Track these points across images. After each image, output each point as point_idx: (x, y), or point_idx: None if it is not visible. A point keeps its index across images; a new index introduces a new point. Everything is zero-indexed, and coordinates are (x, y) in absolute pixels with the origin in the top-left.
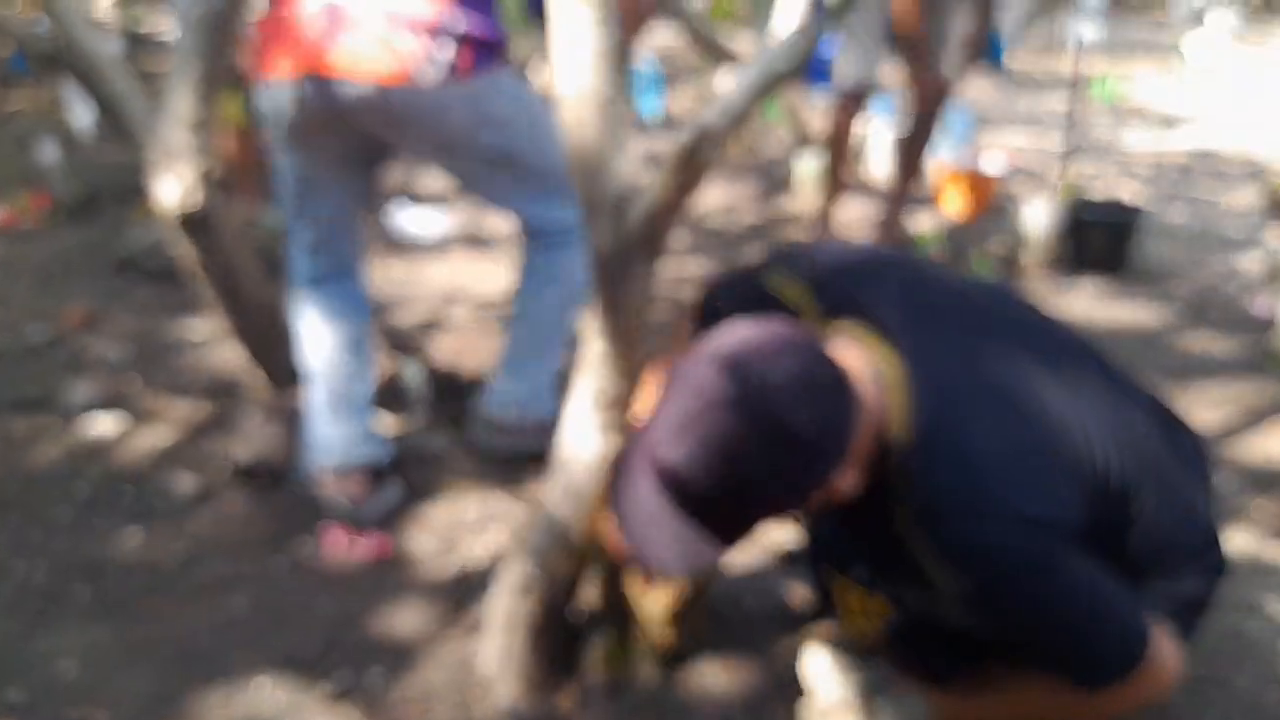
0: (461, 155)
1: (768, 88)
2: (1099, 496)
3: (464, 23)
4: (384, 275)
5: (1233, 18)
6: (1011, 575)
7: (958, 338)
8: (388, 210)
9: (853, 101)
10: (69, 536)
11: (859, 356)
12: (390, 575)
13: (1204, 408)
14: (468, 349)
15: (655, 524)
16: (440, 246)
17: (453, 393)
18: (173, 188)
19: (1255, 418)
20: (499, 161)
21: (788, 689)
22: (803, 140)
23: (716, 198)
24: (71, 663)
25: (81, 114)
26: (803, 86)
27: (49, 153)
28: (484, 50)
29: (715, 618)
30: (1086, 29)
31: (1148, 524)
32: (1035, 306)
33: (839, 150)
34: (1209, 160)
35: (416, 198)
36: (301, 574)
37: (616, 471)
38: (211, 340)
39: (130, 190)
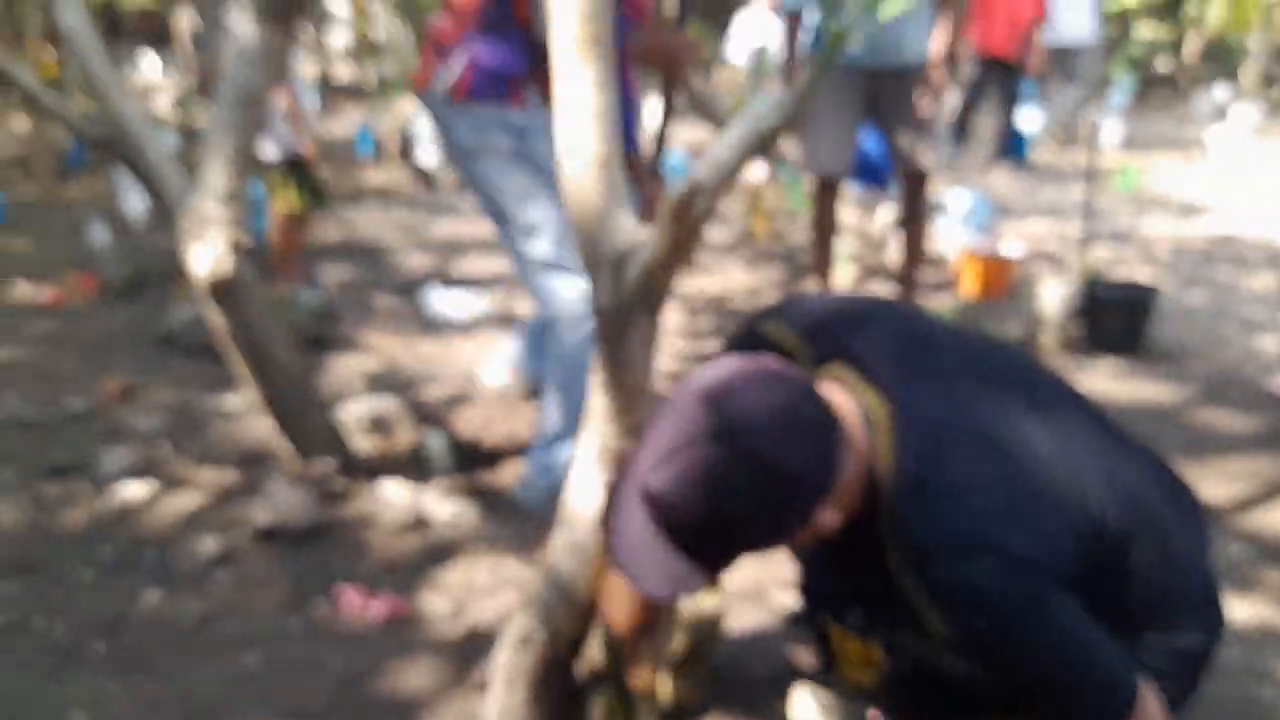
0: (470, 184)
1: (756, 143)
2: (1093, 542)
3: (478, 48)
4: (414, 353)
5: (1255, 112)
6: (1000, 614)
7: (947, 383)
8: (422, 292)
9: (828, 187)
10: (90, 596)
11: (847, 398)
12: (401, 635)
13: (1220, 481)
14: (491, 422)
15: (644, 549)
16: (470, 326)
17: (474, 462)
18: (203, 256)
19: (1272, 490)
20: (494, 203)
21: None
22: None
23: (741, 280)
24: (81, 714)
25: (134, 202)
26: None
27: (98, 234)
28: (488, 79)
29: (719, 679)
30: (1107, 125)
31: (1145, 575)
32: (1030, 359)
33: (819, 233)
34: (1229, 246)
35: (450, 281)
36: (315, 633)
37: (611, 496)
38: (244, 413)
39: (175, 272)
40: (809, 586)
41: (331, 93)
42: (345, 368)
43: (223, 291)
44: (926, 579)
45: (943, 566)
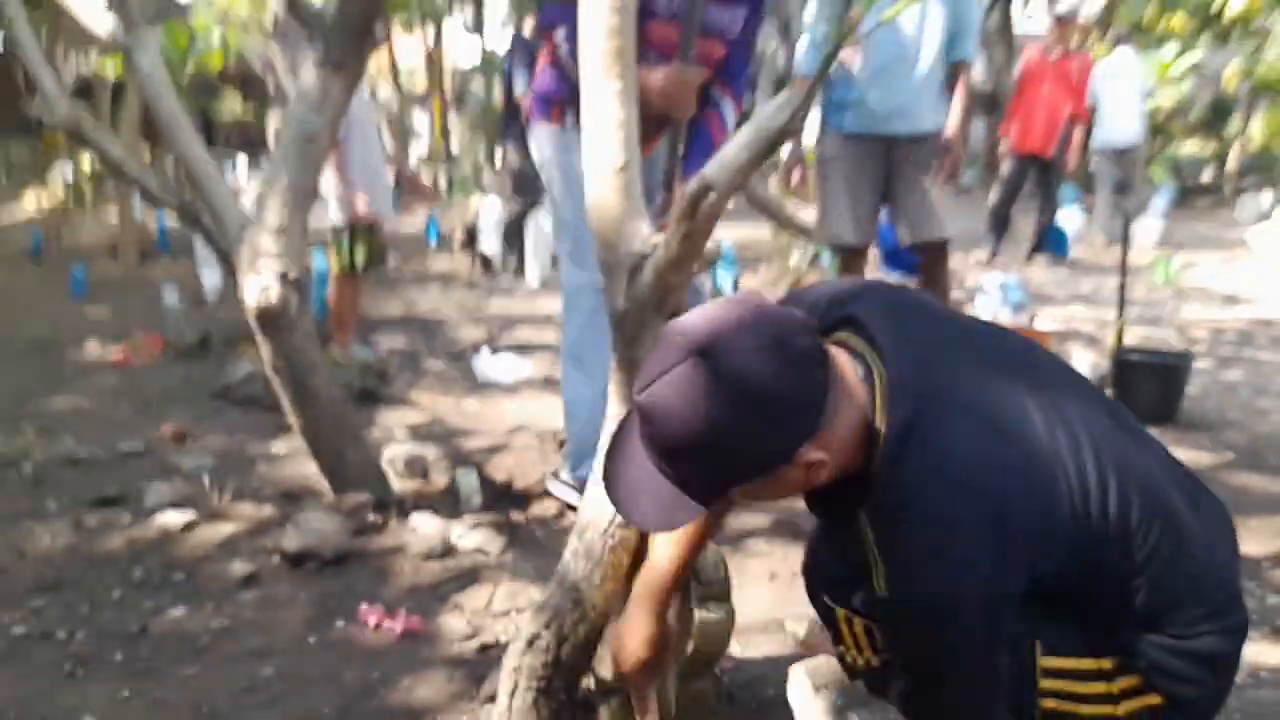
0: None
1: (765, 143)
2: (1088, 523)
3: (538, 78)
4: (459, 410)
5: None
6: (935, 600)
7: (945, 350)
8: (473, 356)
9: (852, 257)
10: (114, 611)
11: (845, 354)
12: (416, 651)
13: (1260, 539)
14: (523, 467)
15: (638, 483)
16: (516, 388)
17: (506, 501)
18: (253, 286)
19: None
20: (550, 202)
21: None
22: None
23: None
24: (90, 716)
25: (210, 276)
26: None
27: (169, 296)
28: (541, 102)
29: (730, 702)
30: (1148, 225)
31: (1160, 571)
32: (1034, 345)
33: None
34: (1270, 328)
35: (498, 347)
36: (331, 647)
37: (615, 432)
38: (289, 456)
39: (240, 336)
40: (814, 568)
41: (406, 193)
42: (391, 420)
43: (268, 320)
44: (883, 534)
45: (905, 528)
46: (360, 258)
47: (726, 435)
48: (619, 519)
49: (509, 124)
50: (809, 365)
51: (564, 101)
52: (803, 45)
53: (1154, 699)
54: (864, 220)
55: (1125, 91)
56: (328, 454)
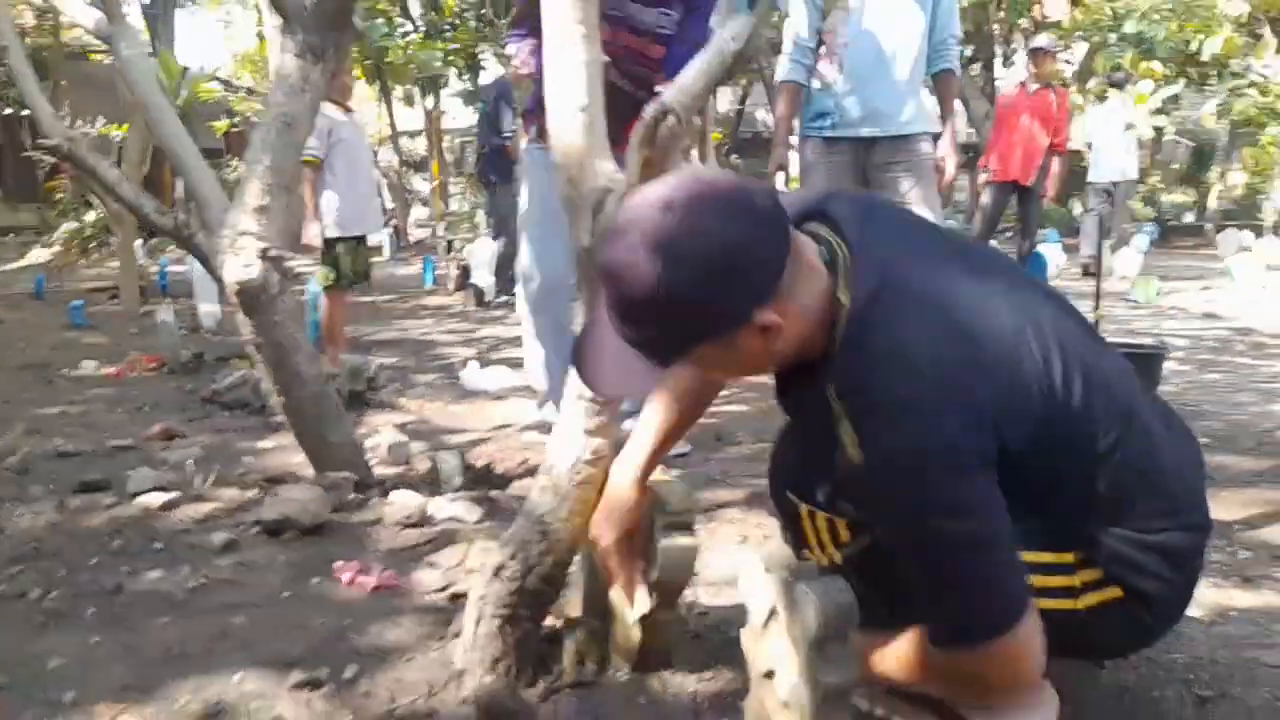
0: None
1: (721, 67)
2: (1053, 400)
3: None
4: (445, 413)
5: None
6: (914, 456)
7: (910, 242)
8: (463, 369)
9: None
10: (90, 574)
11: (811, 239)
12: (388, 602)
13: (1231, 507)
14: (505, 453)
15: (603, 352)
16: (503, 395)
17: (484, 481)
18: (233, 263)
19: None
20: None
21: None
22: None
23: None
24: (58, 660)
25: (207, 307)
26: None
27: (165, 314)
28: (525, 120)
29: (696, 639)
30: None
31: (1123, 464)
32: (1006, 257)
33: None
34: (1249, 336)
35: (488, 362)
36: (305, 601)
37: (587, 320)
38: (276, 449)
39: (235, 355)
40: (778, 469)
41: (404, 247)
42: (378, 421)
43: (249, 297)
44: (857, 408)
45: (873, 399)
46: (347, 271)
47: (686, 289)
48: (586, 456)
49: (489, 163)
50: (770, 226)
51: (532, 115)
52: (784, 54)
53: (1114, 592)
54: None
55: (1118, 131)
56: (309, 434)
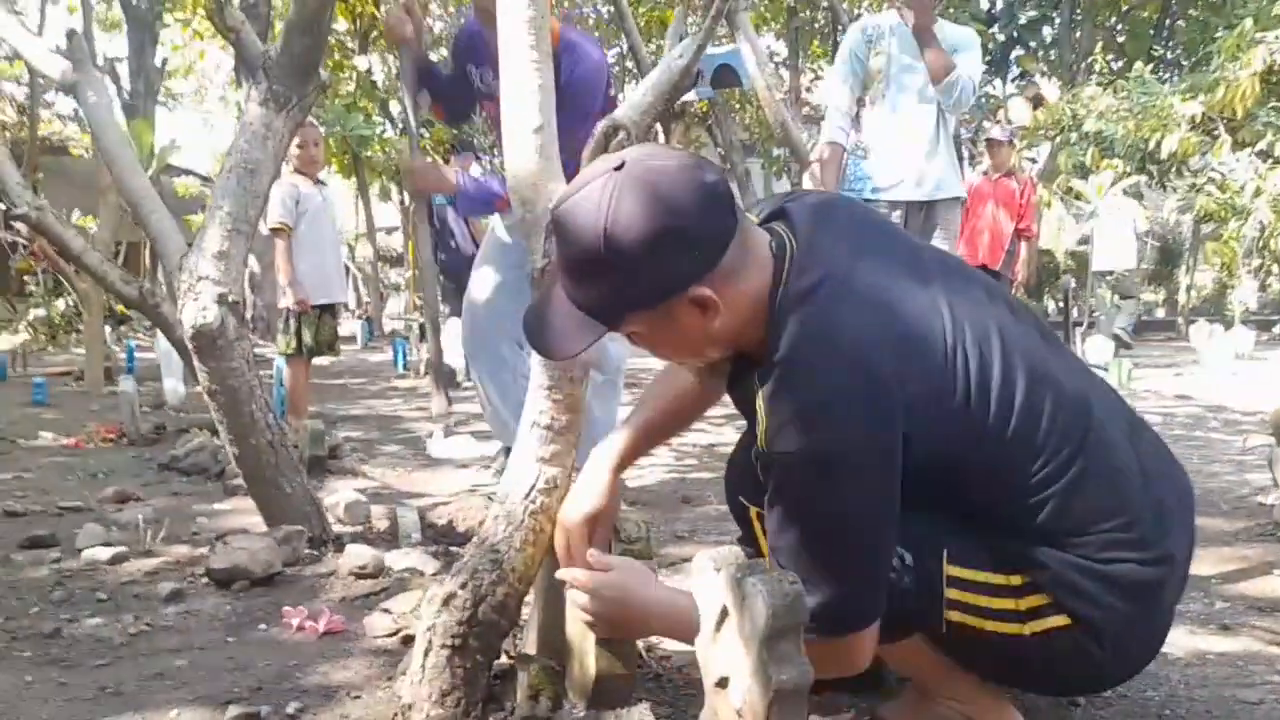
0: None
1: (669, 83)
2: (985, 415)
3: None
4: (408, 480)
5: (1248, 335)
6: (804, 439)
7: (864, 244)
8: (429, 439)
9: None
10: (30, 619)
11: (765, 231)
12: (336, 646)
13: (1211, 564)
14: (466, 513)
15: (550, 315)
16: (468, 463)
17: (443, 537)
18: (191, 307)
19: (1258, 567)
20: None
21: None
22: None
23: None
24: None
25: (172, 384)
26: None
27: (126, 384)
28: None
29: (656, 680)
30: (1097, 343)
31: (1071, 484)
32: (988, 278)
33: None
34: (1222, 413)
35: (453, 430)
36: (250, 645)
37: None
38: (231, 512)
39: (194, 426)
40: (734, 472)
41: (376, 336)
42: (338, 485)
43: (205, 341)
44: (767, 391)
45: (782, 382)
46: (309, 340)
47: (626, 247)
48: (540, 484)
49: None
50: (719, 202)
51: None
52: (826, 119)
53: (1060, 620)
54: None
55: (1118, 226)
56: (263, 484)
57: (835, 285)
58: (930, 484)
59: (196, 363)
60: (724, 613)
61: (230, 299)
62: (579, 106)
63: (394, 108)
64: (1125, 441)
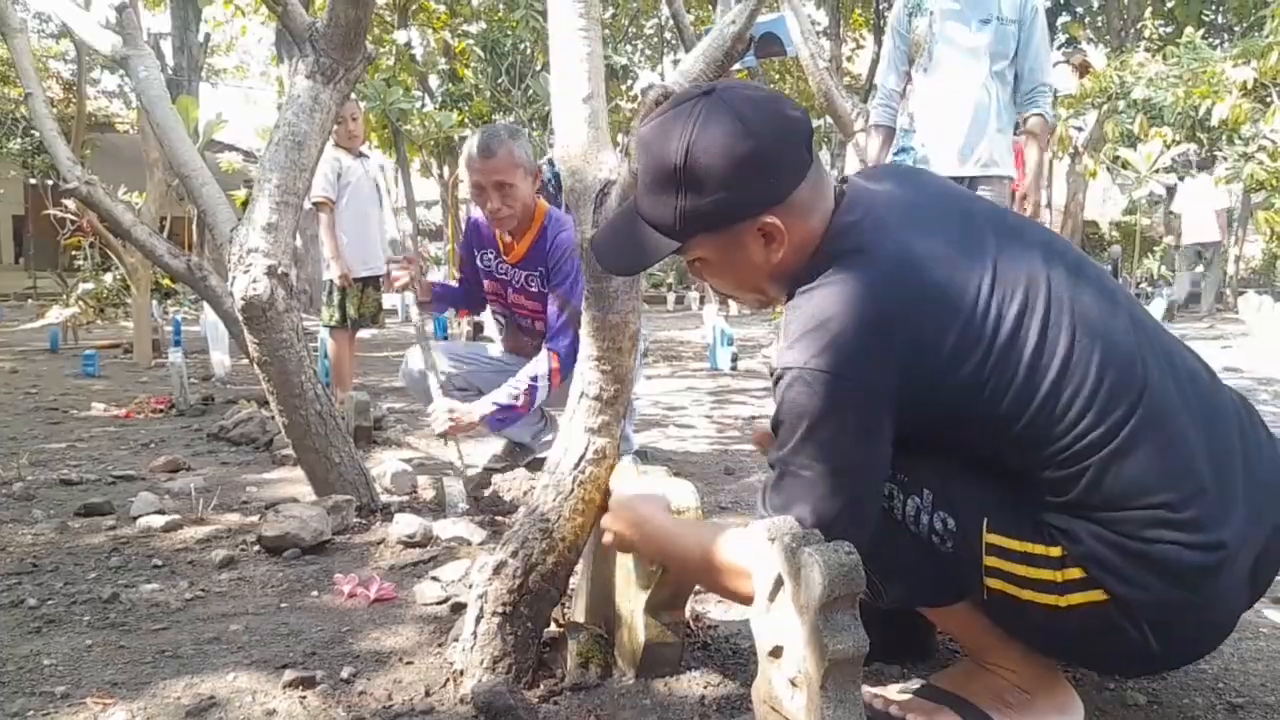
0: None
1: (720, 49)
2: (1005, 368)
3: None
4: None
5: None
6: (802, 363)
7: (914, 197)
8: None
9: None
10: (88, 584)
11: (830, 178)
12: (388, 611)
13: None
14: (510, 483)
15: (617, 231)
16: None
17: (489, 507)
18: (241, 279)
19: None
20: None
21: None
22: None
23: None
24: (50, 659)
25: (219, 356)
26: None
27: (174, 356)
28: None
29: (705, 649)
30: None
31: (1115, 454)
32: (1056, 234)
33: None
34: (1272, 385)
35: None
36: (302, 611)
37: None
38: (280, 481)
39: (241, 398)
40: None
41: None
42: (384, 455)
43: (255, 312)
44: (787, 315)
45: (799, 310)
46: (352, 312)
47: (707, 165)
48: (590, 455)
49: None
50: (798, 139)
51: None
52: (875, 99)
53: (1098, 595)
54: None
55: (1202, 206)
56: (312, 454)
57: (871, 230)
58: (966, 446)
59: (247, 334)
60: (778, 582)
61: (280, 271)
62: (569, 276)
63: (433, 81)
64: (1190, 415)
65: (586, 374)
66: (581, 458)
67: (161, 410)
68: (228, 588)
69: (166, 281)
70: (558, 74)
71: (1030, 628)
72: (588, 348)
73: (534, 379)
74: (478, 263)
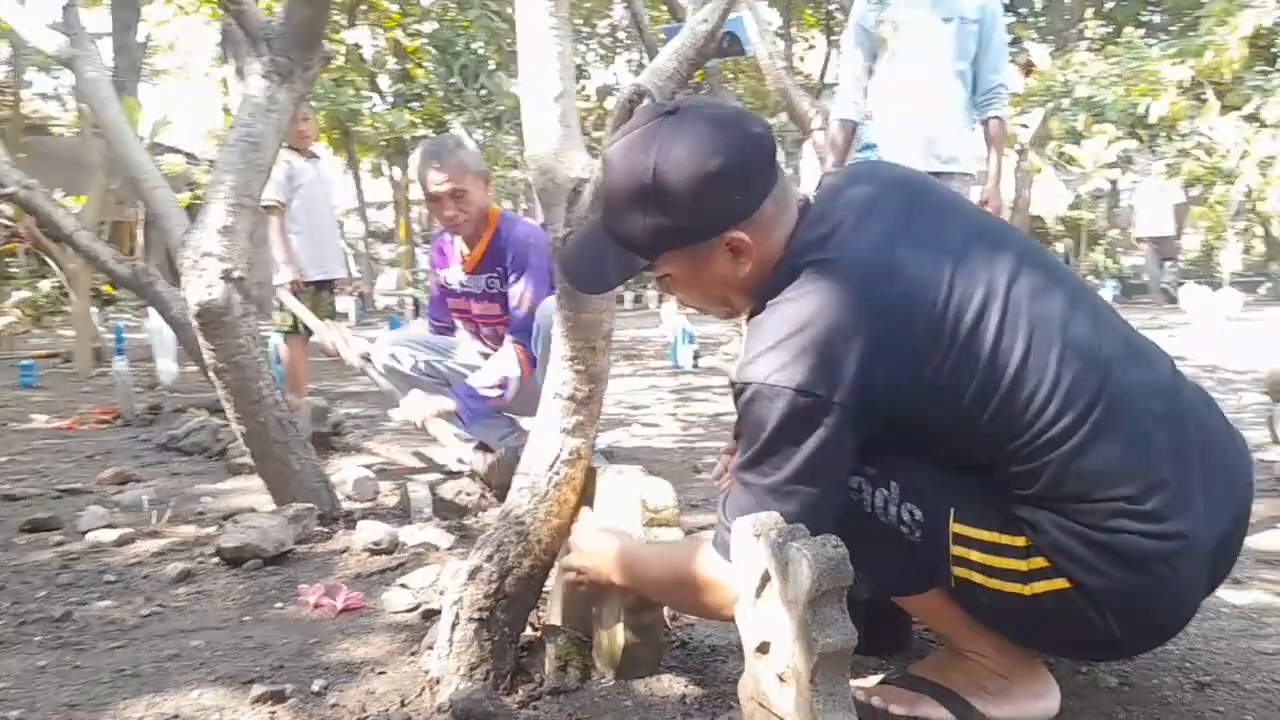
0: None
1: (693, 48)
2: (967, 365)
3: None
4: (414, 455)
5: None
6: (761, 374)
7: (874, 204)
8: None
9: None
10: (38, 603)
11: (795, 190)
12: (357, 621)
13: None
14: (474, 488)
15: (586, 251)
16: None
17: (454, 512)
18: (196, 284)
19: (1268, 522)
20: None
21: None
22: None
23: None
24: (2, 683)
25: (165, 364)
26: None
27: (119, 365)
28: None
29: (683, 647)
30: None
31: (1078, 448)
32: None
33: None
34: (1216, 372)
35: None
36: (266, 623)
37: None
38: (235, 491)
39: (191, 406)
40: None
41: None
42: (343, 463)
43: (211, 318)
44: (751, 322)
45: (760, 321)
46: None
47: (674, 184)
48: (564, 455)
49: None
50: (764, 154)
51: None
52: (838, 92)
53: (1061, 583)
54: None
55: (1157, 198)
56: (272, 462)
57: (835, 242)
58: (931, 442)
59: (202, 340)
60: (764, 579)
61: (235, 275)
62: (529, 267)
63: (384, 81)
64: (1151, 409)
65: (560, 374)
66: (556, 459)
67: (107, 421)
68: (186, 602)
69: (107, 288)
70: (528, 73)
71: (998, 615)
72: (561, 347)
73: (504, 371)
74: (442, 280)
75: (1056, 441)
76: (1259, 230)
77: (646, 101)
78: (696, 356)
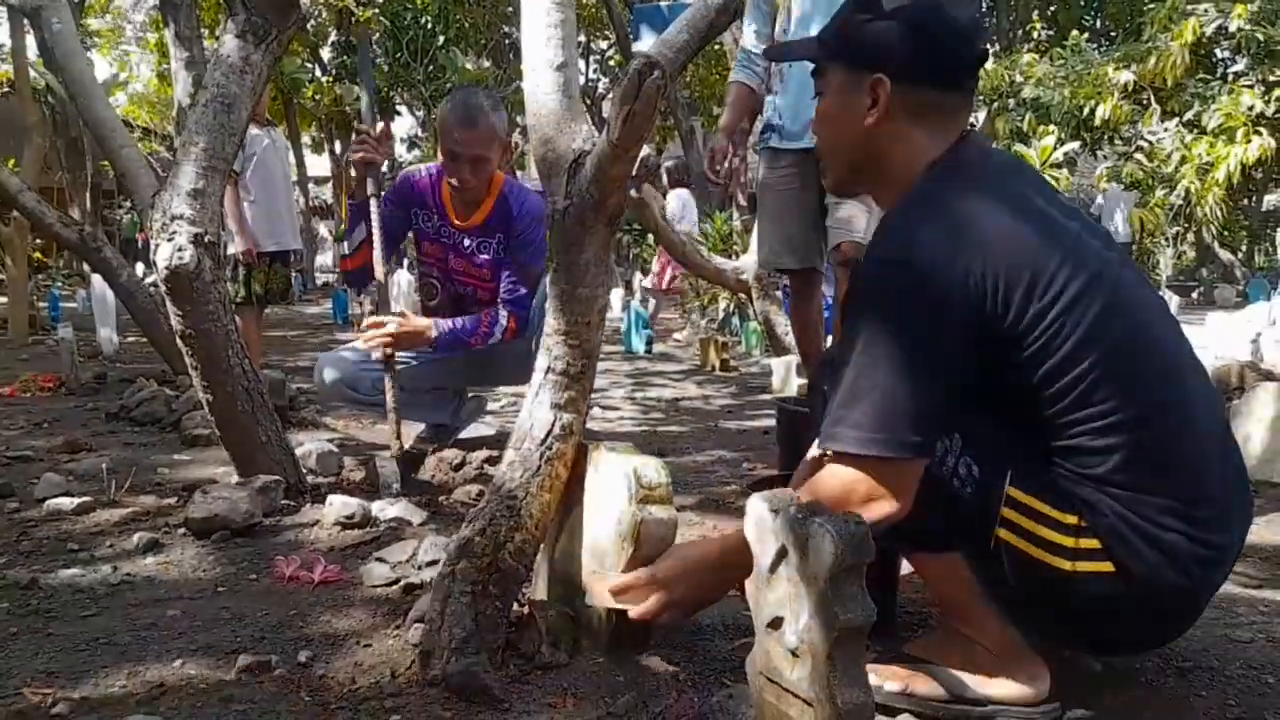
0: None
1: (704, 20)
2: (1064, 342)
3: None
4: (374, 431)
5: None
6: (897, 262)
7: (1009, 169)
8: None
9: (800, 283)
10: (0, 570)
11: (965, 123)
12: (336, 594)
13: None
14: (443, 463)
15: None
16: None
17: (424, 488)
18: (165, 248)
19: None
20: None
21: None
22: (781, 351)
23: (695, 392)
24: None
25: (106, 333)
26: None
27: (63, 332)
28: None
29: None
30: None
31: (1141, 443)
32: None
33: (799, 328)
34: None
35: None
36: (243, 594)
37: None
38: (194, 462)
39: (140, 376)
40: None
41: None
42: (302, 437)
43: (180, 283)
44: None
45: (886, 223)
46: (258, 289)
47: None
48: (557, 430)
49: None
50: (957, 55)
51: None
52: (737, 58)
53: (1107, 567)
54: (796, 239)
55: (1114, 206)
56: (238, 432)
57: (983, 170)
58: (1009, 400)
59: (170, 306)
60: (780, 554)
61: (207, 239)
62: (535, 244)
63: (325, 54)
64: (1214, 426)
65: (553, 348)
66: (549, 434)
67: (50, 389)
68: (155, 572)
69: (38, 255)
70: (529, 43)
71: (1024, 585)
72: (555, 322)
73: (493, 322)
74: (412, 222)
75: (1131, 425)
76: (1191, 236)
77: (656, 75)
78: (650, 343)
